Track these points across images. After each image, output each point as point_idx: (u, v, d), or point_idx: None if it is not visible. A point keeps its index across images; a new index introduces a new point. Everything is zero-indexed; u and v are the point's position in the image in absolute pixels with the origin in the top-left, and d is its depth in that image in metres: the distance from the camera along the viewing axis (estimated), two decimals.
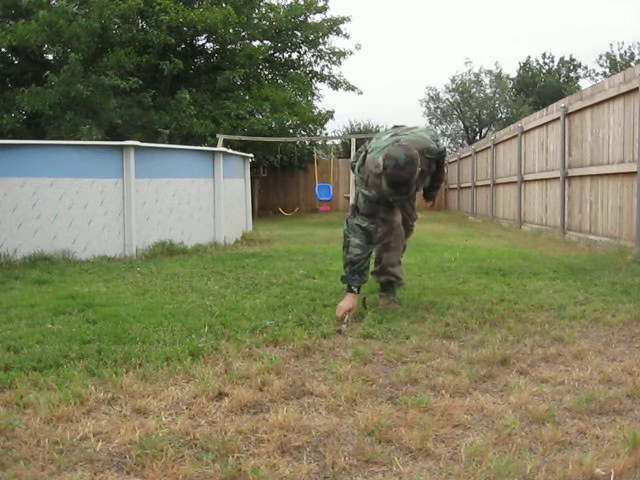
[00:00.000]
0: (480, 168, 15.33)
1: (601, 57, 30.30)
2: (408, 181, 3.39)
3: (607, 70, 29.26)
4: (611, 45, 32.91)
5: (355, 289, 3.67)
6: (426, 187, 4.13)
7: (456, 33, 60.41)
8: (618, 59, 29.19)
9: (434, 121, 31.82)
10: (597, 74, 30.45)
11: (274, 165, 18.25)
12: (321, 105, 45.83)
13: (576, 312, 3.70)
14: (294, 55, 18.46)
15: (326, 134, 20.08)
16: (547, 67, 31.81)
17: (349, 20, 17.58)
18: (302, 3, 17.18)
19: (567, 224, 8.67)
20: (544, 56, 32.23)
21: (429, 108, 31.88)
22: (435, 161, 3.94)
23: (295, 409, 2.25)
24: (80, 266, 5.95)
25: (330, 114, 18.25)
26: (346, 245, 3.76)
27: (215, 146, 11.54)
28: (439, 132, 31.50)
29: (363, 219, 3.70)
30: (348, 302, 3.61)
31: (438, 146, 3.91)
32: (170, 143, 12.81)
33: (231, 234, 8.38)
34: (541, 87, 30.39)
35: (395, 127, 4.08)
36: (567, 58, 31.73)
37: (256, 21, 16.48)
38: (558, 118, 8.93)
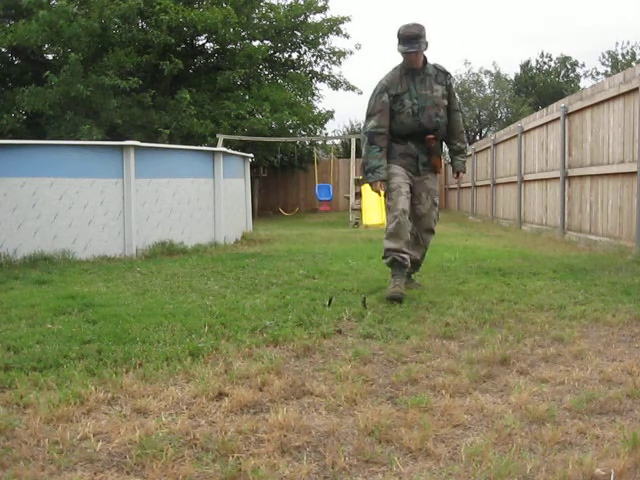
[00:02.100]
0: (480, 168, 15.33)
1: (604, 56, 30.31)
2: (417, 37, 4.15)
3: (609, 69, 29.25)
4: (616, 44, 32.87)
5: (373, 180, 4.30)
6: (442, 124, 4.39)
7: (456, 33, 60.43)
8: (620, 58, 29.18)
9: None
10: (598, 73, 30.45)
11: (274, 165, 18.25)
12: (321, 105, 45.80)
13: (576, 312, 3.70)
14: (294, 55, 18.48)
15: (326, 134, 20.10)
16: (546, 66, 31.79)
17: (349, 20, 17.60)
18: (302, 3, 17.18)
19: (567, 224, 8.67)
20: (542, 55, 32.21)
21: None
22: (448, 84, 4.42)
23: (295, 409, 2.25)
24: (80, 266, 5.95)
25: (330, 114, 18.26)
26: None
27: (215, 146, 11.55)
28: None
29: (366, 122, 4.40)
30: (376, 185, 4.30)
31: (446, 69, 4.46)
32: (170, 143, 12.81)
33: (231, 234, 8.38)
34: (541, 87, 30.38)
35: None
36: (562, 57, 31.70)
37: (256, 21, 16.49)
38: (558, 118, 8.93)
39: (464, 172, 4.61)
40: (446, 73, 4.42)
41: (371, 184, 4.33)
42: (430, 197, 4.44)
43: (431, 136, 4.34)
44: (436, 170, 4.48)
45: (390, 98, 4.28)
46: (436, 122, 4.33)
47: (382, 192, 4.33)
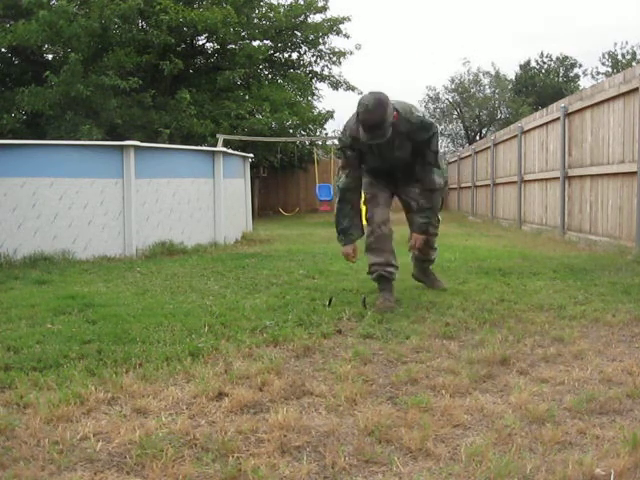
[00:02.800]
0: (480, 168, 15.33)
1: (604, 56, 30.31)
2: (380, 124, 3.56)
3: (609, 69, 29.26)
4: (616, 44, 32.90)
5: (346, 245, 4.09)
6: (408, 159, 3.98)
7: (456, 33, 60.41)
8: (620, 58, 29.18)
9: (434, 121, 31.80)
10: (599, 73, 30.45)
11: (274, 165, 18.25)
12: (321, 105, 45.77)
13: (576, 312, 3.70)
14: (294, 55, 18.47)
15: (326, 134, 20.05)
16: (546, 66, 31.79)
17: (349, 20, 17.59)
18: (302, 3, 17.18)
19: (567, 224, 8.67)
20: (541, 55, 32.23)
21: (428, 108, 31.88)
22: (424, 139, 3.88)
23: (295, 409, 2.25)
24: (80, 266, 5.95)
25: (330, 114, 18.25)
26: None
27: (215, 146, 11.55)
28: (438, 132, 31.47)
29: (338, 176, 4.11)
30: (345, 249, 4.11)
31: (425, 121, 3.90)
32: (170, 143, 12.81)
33: (231, 234, 8.38)
34: (541, 87, 30.38)
35: None
36: (562, 57, 31.72)
37: (256, 21, 16.48)
38: (558, 118, 8.93)
39: (419, 236, 4.05)
40: (427, 129, 3.86)
41: (342, 246, 4.09)
42: (417, 202, 4.09)
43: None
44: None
45: (355, 151, 3.93)
46: (407, 167, 4.03)
47: (354, 259, 4.10)
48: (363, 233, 4.12)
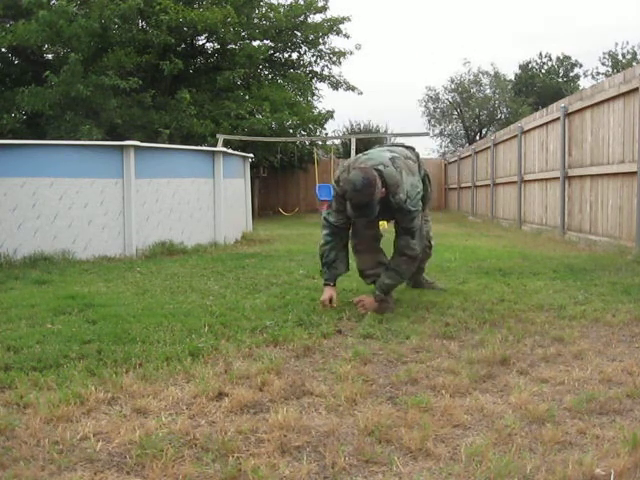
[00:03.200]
0: (480, 168, 15.33)
1: (604, 55, 30.32)
2: (368, 203, 3.48)
3: (609, 69, 29.26)
4: (617, 44, 32.91)
5: (328, 282, 3.91)
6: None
7: (456, 33, 60.41)
8: (620, 58, 29.19)
9: (433, 121, 31.82)
10: (599, 73, 30.45)
11: (274, 165, 18.25)
12: (321, 105, 45.77)
13: (576, 312, 3.70)
14: (294, 55, 18.48)
15: (326, 134, 20.07)
16: (545, 66, 31.78)
17: (349, 20, 17.59)
18: (302, 3, 17.18)
19: (567, 224, 8.67)
20: (541, 55, 32.22)
21: (428, 108, 31.88)
22: (404, 217, 3.75)
23: (295, 409, 2.25)
24: (80, 266, 5.95)
25: (330, 114, 18.25)
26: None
27: (215, 146, 11.54)
28: (438, 132, 31.50)
29: (328, 210, 3.93)
30: (324, 294, 3.89)
31: (416, 209, 3.73)
32: (170, 143, 12.81)
33: (231, 234, 8.38)
34: (541, 87, 30.38)
35: (393, 145, 4.14)
36: (562, 57, 31.71)
37: (256, 21, 16.49)
38: (558, 118, 8.93)
39: (376, 298, 3.84)
40: (405, 212, 3.69)
41: (323, 286, 3.92)
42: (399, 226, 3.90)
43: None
44: None
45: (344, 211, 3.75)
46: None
47: (332, 306, 3.83)
48: (348, 269, 3.99)
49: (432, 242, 4.44)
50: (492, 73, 30.30)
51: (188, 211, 7.49)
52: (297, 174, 20.23)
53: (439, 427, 2.08)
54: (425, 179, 4.07)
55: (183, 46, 16.04)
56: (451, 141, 32.63)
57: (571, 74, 31.78)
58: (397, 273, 3.83)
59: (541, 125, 10.00)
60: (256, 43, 16.82)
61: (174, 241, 7.17)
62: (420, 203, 3.80)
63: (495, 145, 13.37)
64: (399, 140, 14.98)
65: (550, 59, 31.98)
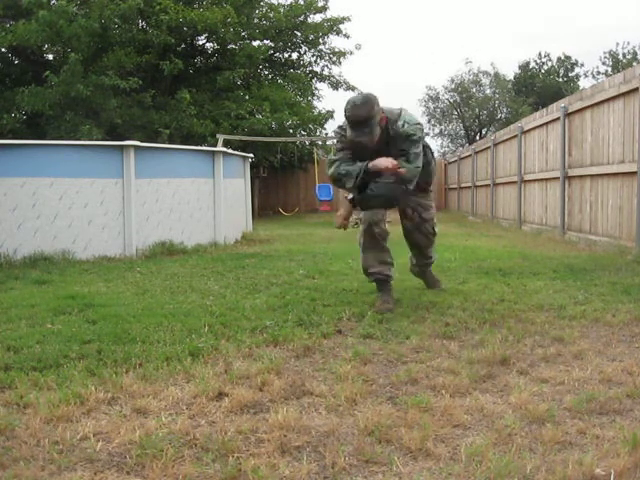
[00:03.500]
0: (480, 168, 15.34)
1: (605, 55, 30.34)
2: (367, 120, 3.50)
3: (609, 69, 29.27)
4: (617, 44, 32.93)
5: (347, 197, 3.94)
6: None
7: (456, 33, 60.43)
8: (620, 58, 29.20)
9: (433, 121, 31.84)
10: (599, 73, 30.46)
11: (274, 165, 18.25)
12: (321, 105, 45.88)
13: (576, 312, 3.70)
14: (294, 55, 18.49)
15: (326, 134, 20.06)
16: (545, 66, 31.79)
17: (349, 20, 17.61)
18: (302, 3, 17.19)
19: (567, 224, 8.67)
20: (541, 55, 32.23)
21: (428, 108, 31.89)
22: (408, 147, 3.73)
23: (295, 409, 2.25)
24: (80, 266, 5.95)
25: (330, 114, 18.26)
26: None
27: (215, 146, 11.55)
28: (438, 132, 31.54)
29: (333, 160, 3.84)
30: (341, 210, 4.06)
31: (415, 133, 3.74)
32: (170, 143, 12.81)
33: (231, 234, 8.38)
34: (541, 87, 30.39)
35: None
36: (563, 57, 31.72)
37: (256, 21, 16.49)
38: (558, 118, 8.93)
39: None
40: (410, 140, 3.70)
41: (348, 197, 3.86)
42: (416, 213, 4.08)
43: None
44: (423, 189, 4.07)
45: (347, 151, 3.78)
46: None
47: (344, 224, 3.98)
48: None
49: (436, 229, 4.31)
50: (492, 73, 30.32)
51: (188, 211, 7.49)
52: (297, 174, 20.23)
53: (439, 427, 2.08)
54: (427, 151, 4.05)
55: (183, 46, 16.04)
56: (451, 141, 32.66)
57: (571, 74, 31.79)
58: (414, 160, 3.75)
59: (541, 125, 10.00)
60: (256, 43, 16.83)
61: (174, 241, 7.17)
62: (422, 132, 3.80)
63: (495, 145, 13.37)
64: None
65: (550, 59, 31.99)
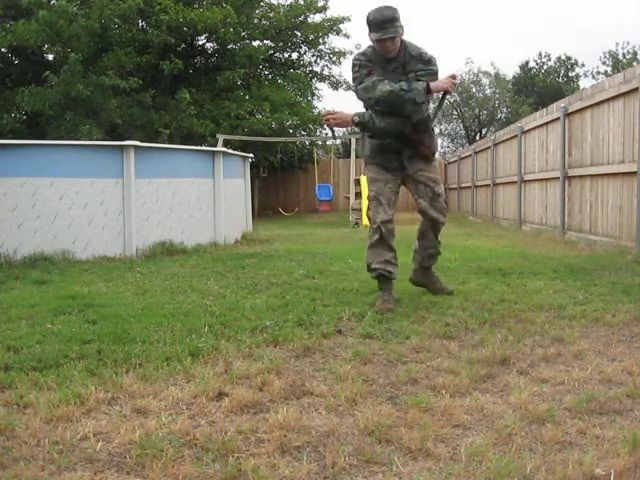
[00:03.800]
0: (480, 168, 15.33)
1: (605, 55, 30.33)
2: (392, 20, 3.71)
3: (609, 69, 29.27)
4: (617, 44, 32.93)
5: None
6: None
7: (456, 33, 60.45)
8: (620, 58, 29.20)
9: (433, 121, 31.79)
10: (599, 73, 30.46)
11: (274, 165, 18.26)
12: (321, 105, 45.70)
13: (576, 312, 3.70)
14: (294, 55, 18.50)
15: (326, 134, 20.06)
16: (545, 66, 31.79)
17: (349, 20, 17.62)
18: (302, 3, 17.19)
19: (567, 224, 8.66)
20: (541, 55, 32.22)
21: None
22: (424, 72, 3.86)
23: (295, 409, 2.25)
24: (80, 266, 5.95)
25: None
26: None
27: (215, 146, 11.55)
28: (438, 131, 31.50)
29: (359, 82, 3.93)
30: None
31: (430, 57, 3.91)
32: (170, 143, 12.82)
33: (231, 234, 8.38)
34: (541, 87, 30.39)
35: None
36: (564, 57, 31.73)
37: (256, 21, 16.50)
38: (558, 118, 8.93)
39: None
40: (426, 60, 3.86)
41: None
42: (429, 188, 4.06)
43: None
44: (428, 159, 4.08)
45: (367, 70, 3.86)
46: (415, 130, 3.92)
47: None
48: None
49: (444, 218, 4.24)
50: (492, 73, 30.32)
51: (188, 211, 7.49)
52: (297, 174, 20.24)
53: (439, 427, 2.08)
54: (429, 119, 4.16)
55: (183, 46, 16.05)
56: (451, 141, 32.64)
57: (571, 74, 31.79)
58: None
59: (541, 125, 10.00)
60: (256, 43, 16.83)
61: (174, 241, 7.17)
62: (435, 61, 3.92)
63: (495, 145, 13.37)
64: None
65: (550, 59, 31.99)
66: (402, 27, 3.79)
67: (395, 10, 3.74)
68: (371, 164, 4.10)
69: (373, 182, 4.05)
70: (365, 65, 3.90)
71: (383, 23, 3.69)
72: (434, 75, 3.87)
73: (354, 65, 3.96)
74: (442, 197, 4.16)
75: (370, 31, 3.76)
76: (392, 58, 3.87)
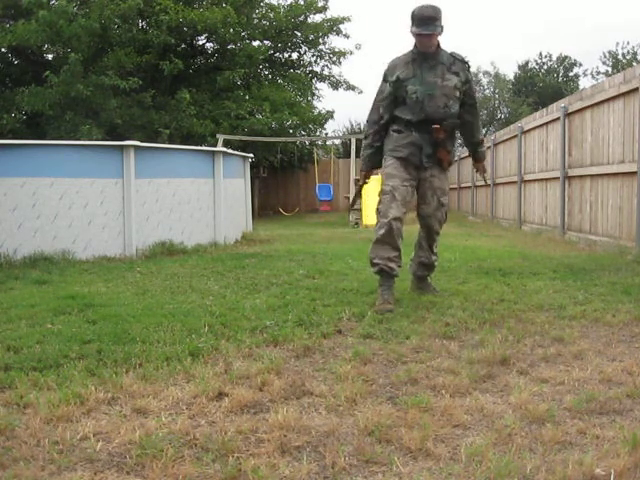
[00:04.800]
0: None
1: (605, 55, 30.34)
2: (434, 17, 3.94)
3: (609, 69, 29.28)
4: (617, 44, 32.94)
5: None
6: (447, 104, 4.07)
7: (456, 33, 60.42)
8: (620, 58, 29.21)
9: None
10: (599, 73, 30.46)
11: (274, 165, 18.26)
12: (321, 105, 45.80)
13: (576, 312, 3.70)
14: (294, 55, 18.50)
15: (326, 134, 20.10)
16: (545, 66, 31.80)
17: (349, 20, 17.62)
18: (302, 3, 17.19)
19: (567, 224, 8.66)
20: (541, 55, 32.23)
21: None
22: (465, 76, 4.13)
23: (295, 409, 2.25)
24: (80, 266, 5.95)
25: (330, 114, 18.27)
26: None
27: (215, 146, 11.55)
28: None
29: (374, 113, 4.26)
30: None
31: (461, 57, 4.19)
32: (170, 143, 12.82)
33: (231, 234, 8.37)
34: (541, 87, 30.39)
35: None
36: (564, 57, 31.73)
37: (256, 21, 16.50)
38: (558, 118, 8.93)
39: (484, 159, 4.52)
40: (464, 63, 4.13)
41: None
42: (436, 196, 4.12)
43: (437, 125, 3.99)
44: (442, 164, 4.13)
45: (391, 84, 4.06)
46: (444, 112, 4.01)
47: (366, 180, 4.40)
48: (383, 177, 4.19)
49: (440, 229, 4.34)
50: (492, 73, 30.31)
51: (188, 211, 7.49)
52: (297, 174, 20.23)
53: (439, 427, 2.08)
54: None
55: (183, 46, 16.05)
56: None
57: (571, 74, 31.80)
58: (479, 143, 4.45)
59: (541, 125, 10.00)
60: (256, 43, 16.84)
61: (174, 241, 7.16)
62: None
63: (495, 145, 13.37)
64: None
65: (550, 59, 32.00)
66: (442, 27, 4.00)
67: (438, 10, 3.96)
68: (392, 157, 4.12)
69: (390, 177, 4.06)
70: (383, 82, 4.20)
71: (425, 20, 3.92)
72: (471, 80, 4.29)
73: (383, 74, 4.22)
74: (445, 208, 4.22)
75: (412, 25, 3.98)
76: (430, 55, 4.04)
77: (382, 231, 3.95)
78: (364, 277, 5.03)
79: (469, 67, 4.18)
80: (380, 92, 4.17)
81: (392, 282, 4.03)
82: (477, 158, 4.50)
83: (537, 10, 55.96)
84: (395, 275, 4.03)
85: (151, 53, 14.42)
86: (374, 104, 4.20)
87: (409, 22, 4.00)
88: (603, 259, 6.01)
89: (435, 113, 4.00)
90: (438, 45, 4.07)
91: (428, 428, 2.04)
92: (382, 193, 4.06)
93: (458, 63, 4.08)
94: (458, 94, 4.07)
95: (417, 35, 3.98)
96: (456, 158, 19.34)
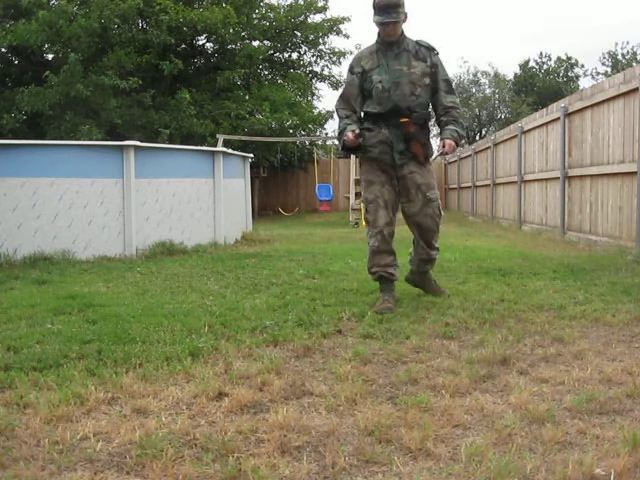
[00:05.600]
0: (480, 168, 15.33)
1: (604, 55, 30.36)
2: (396, 4, 3.80)
3: (609, 69, 29.29)
4: (617, 44, 32.94)
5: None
6: (413, 92, 3.91)
7: (455, 33, 60.45)
8: (620, 58, 29.22)
9: (433, 120, 31.82)
10: (599, 73, 30.47)
11: (274, 165, 18.27)
12: (321, 105, 45.86)
13: (576, 312, 3.70)
14: (294, 55, 18.50)
15: (326, 134, 20.08)
16: (545, 66, 31.81)
17: (349, 20, 17.64)
18: (302, 3, 17.20)
19: (567, 224, 8.66)
20: (541, 55, 32.23)
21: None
22: (430, 68, 3.98)
23: (295, 409, 2.25)
24: (80, 266, 5.95)
25: (330, 114, 18.27)
26: None
27: (215, 146, 11.55)
28: (437, 131, 31.51)
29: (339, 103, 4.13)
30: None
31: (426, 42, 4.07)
32: (170, 143, 12.82)
33: (231, 234, 8.37)
34: (541, 87, 30.39)
35: None
36: (564, 57, 31.74)
37: (256, 21, 16.50)
38: (558, 118, 8.93)
39: (450, 141, 3.90)
40: (431, 49, 3.98)
41: (345, 143, 3.92)
42: (421, 193, 3.93)
43: (405, 119, 3.84)
44: (418, 159, 3.94)
45: (357, 76, 3.95)
46: (411, 101, 3.86)
47: (355, 138, 3.89)
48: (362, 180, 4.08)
49: (442, 211, 4.19)
50: (492, 73, 30.33)
51: (188, 211, 7.49)
52: (297, 174, 20.24)
53: (439, 427, 2.08)
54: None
55: (183, 46, 16.06)
56: None
57: (571, 74, 31.80)
58: (456, 122, 4.03)
59: (541, 125, 10.00)
60: (256, 43, 16.84)
61: (174, 241, 7.16)
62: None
63: (495, 145, 13.37)
64: None
65: (550, 59, 32.00)
66: (405, 14, 3.89)
67: None
68: (365, 159, 4.06)
69: (370, 184, 3.98)
70: (348, 73, 4.08)
71: (387, 8, 3.79)
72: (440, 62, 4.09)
73: (349, 66, 4.09)
74: (435, 202, 4.00)
75: (374, 14, 3.85)
76: (394, 43, 3.92)
77: (375, 242, 3.96)
78: (364, 277, 5.03)
79: (437, 53, 4.02)
80: (348, 84, 4.03)
81: (392, 285, 4.05)
82: (441, 136, 4.02)
83: (537, 10, 56.00)
84: (395, 280, 4.05)
85: (151, 53, 14.42)
86: (341, 96, 4.06)
87: (371, 11, 3.87)
88: (603, 259, 6.01)
89: (402, 101, 3.86)
90: (402, 33, 3.94)
91: (428, 428, 2.04)
92: (366, 202, 4.02)
93: (423, 50, 3.97)
94: (427, 81, 3.93)
95: (379, 24, 3.86)
96: (455, 158, 19.35)
